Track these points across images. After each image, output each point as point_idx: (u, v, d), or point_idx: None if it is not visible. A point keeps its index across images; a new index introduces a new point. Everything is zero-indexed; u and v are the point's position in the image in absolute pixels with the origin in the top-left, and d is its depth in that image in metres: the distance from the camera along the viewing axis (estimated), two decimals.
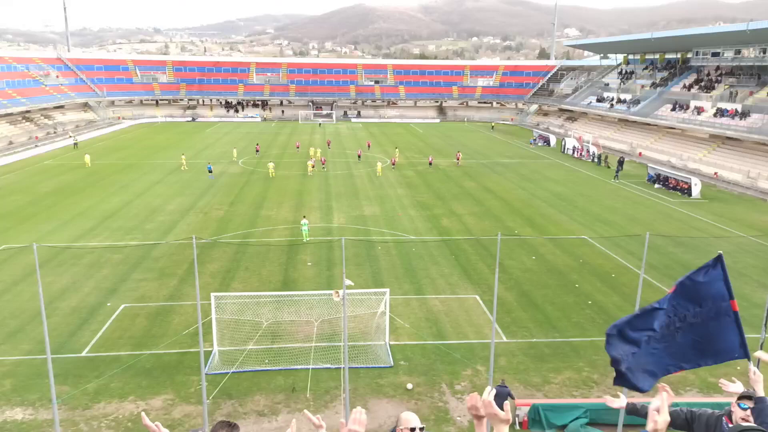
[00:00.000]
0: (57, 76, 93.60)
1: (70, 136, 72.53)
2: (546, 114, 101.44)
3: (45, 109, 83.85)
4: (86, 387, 17.24)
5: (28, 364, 18.58)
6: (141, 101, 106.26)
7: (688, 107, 64.48)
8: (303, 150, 65.79)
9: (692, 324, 4.88)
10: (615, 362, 4.80)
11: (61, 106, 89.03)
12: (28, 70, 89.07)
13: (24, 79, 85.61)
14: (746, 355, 4.82)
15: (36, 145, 67.62)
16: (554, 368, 18.87)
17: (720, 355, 4.89)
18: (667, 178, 48.63)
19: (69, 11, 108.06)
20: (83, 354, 19.29)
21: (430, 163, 57.80)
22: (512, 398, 15.70)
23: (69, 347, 19.60)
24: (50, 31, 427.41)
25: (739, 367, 14.93)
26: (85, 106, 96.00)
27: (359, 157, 61.20)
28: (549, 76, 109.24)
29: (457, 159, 59.37)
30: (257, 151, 63.66)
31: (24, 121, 77.38)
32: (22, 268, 27.00)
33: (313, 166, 53.10)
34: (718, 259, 4.97)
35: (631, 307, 20.99)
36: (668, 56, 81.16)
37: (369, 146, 69.52)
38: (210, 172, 50.41)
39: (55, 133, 77.99)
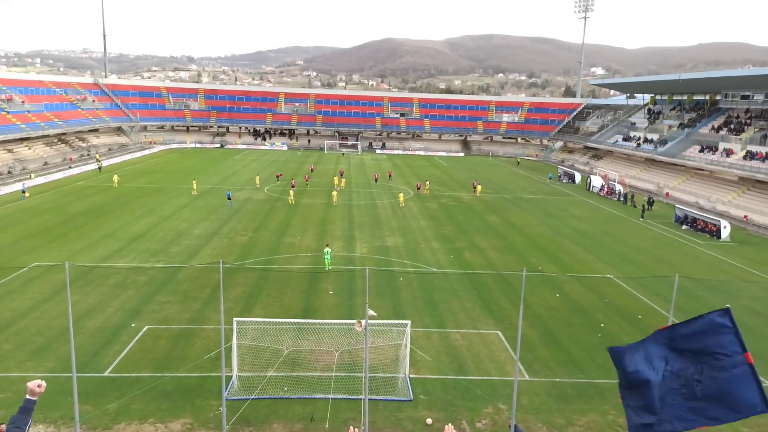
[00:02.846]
0: (93, 101, 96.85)
1: (97, 160, 73.51)
2: (571, 151, 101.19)
3: (80, 132, 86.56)
4: (107, 407, 17.35)
5: (52, 381, 18.68)
6: (172, 127, 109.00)
7: (716, 149, 63.78)
8: (316, 173, 70.51)
9: (710, 378, 4.84)
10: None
11: (96, 130, 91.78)
12: (66, 93, 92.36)
13: (62, 102, 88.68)
14: None
15: (70, 167, 69.61)
16: (578, 410, 18.42)
17: (742, 410, 4.79)
18: (695, 220, 47.87)
19: (108, 39, 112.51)
20: (106, 374, 19.47)
21: (418, 188, 61.09)
22: None
23: (92, 366, 19.81)
24: (89, 57, 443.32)
25: None
26: (119, 131, 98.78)
27: (376, 180, 66.27)
28: (575, 113, 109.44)
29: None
30: (277, 178, 65.07)
31: (60, 143, 79.82)
32: (51, 286, 27.54)
33: (336, 195, 53.83)
34: (726, 312, 4.98)
35: None
36: (696, 97, 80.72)
37: (390, 176, 71.16)
38: (229, 198, 49.90)
39: (88, 155, 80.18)
